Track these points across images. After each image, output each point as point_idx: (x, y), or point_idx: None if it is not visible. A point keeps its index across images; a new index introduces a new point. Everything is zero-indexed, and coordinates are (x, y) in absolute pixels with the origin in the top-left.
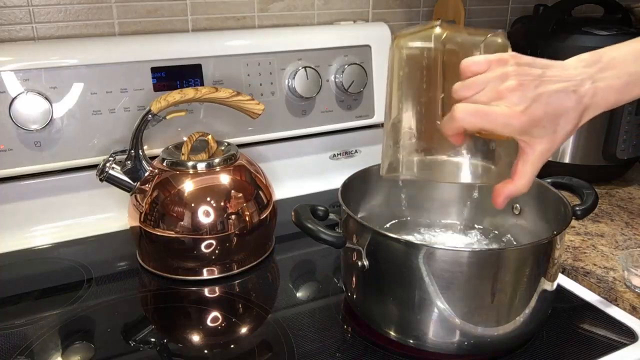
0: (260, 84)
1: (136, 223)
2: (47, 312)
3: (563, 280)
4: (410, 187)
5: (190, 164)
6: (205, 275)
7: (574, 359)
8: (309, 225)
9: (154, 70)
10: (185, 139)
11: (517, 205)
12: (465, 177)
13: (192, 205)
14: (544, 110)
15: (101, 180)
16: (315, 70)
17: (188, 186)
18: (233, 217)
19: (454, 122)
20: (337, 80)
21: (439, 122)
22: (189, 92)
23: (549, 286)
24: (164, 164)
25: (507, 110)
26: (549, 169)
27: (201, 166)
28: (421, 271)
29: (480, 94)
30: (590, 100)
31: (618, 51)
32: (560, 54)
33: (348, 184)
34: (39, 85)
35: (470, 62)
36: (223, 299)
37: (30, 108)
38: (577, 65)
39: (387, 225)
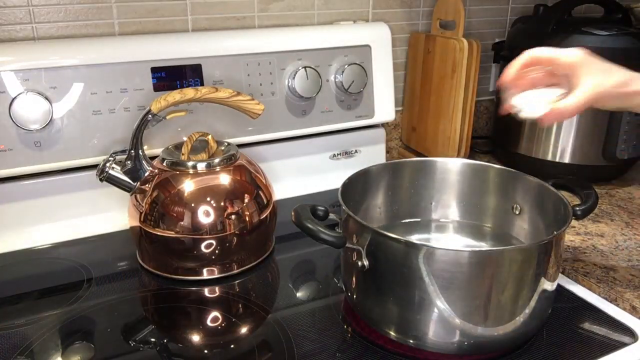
0: (260, 84)
1: (136, 223)
2: (47, 312)
3: (563, 280)
4: (410, 187)
5: (190, 164)
6: (205, 275)
7: (574, 359)
8: (309, 225)
9: (154, 70)
10: (185, 139)
11: (517, 205)
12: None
13: (192, 205)
14: (594, 60)
15: (101, 180)
16: (315, 70)
17: (188, 186)
18: (233, 217)
19: (525, 55)
20: (337, 80)
21: None
22: (189, 92)
23: (549, 286)
24: (164, 164)
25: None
26: (549, 169)
27: (201, 166)
28: (421, 271)
29: None
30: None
31: None
32: None
33: (348, 184)
34: (39, 85)
35: None
36: (223, 299)
37: (30, 108)
38: None
39: (387, 225)
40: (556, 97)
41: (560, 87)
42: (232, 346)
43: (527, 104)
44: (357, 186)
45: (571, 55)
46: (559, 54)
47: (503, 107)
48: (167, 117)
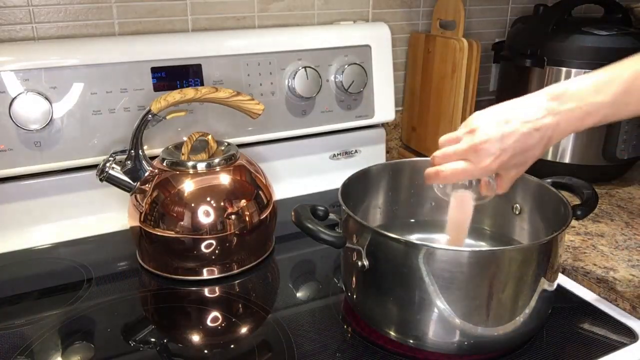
0: (260, 84)
1: (136, 223)
2: (47, 312)
3: (563, 280)
4: (410, 187)
5: (190, 164)
6: (205, 275)
7: (574, 359)
8: (309, 225)
9: (154, 70)
10: (185, 139)
11: (517, 205)
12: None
13: (192, 205)
14: (512, 154)
15: (101, 180)
16: (315, 70)
17: (188, 186)
18: (233, 217)
19: (438, 179)
20: (337, 80)
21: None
22: (189, 92)
23: (549, 286)
24: (164, 164)
25: (480, 166)
26: (549, 169)
27: (201, 166)
28: (421, 271)
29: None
30: (553, 132)
31: (583, 82)
32: (560, 54)
33: (348, 184)
34: (39, 85)
35: (445, 140)
36: (223, 299)
37: (30, 108)
38: (541, 101)
39: (387, 225)
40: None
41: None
42: (232, 346)
43: (455, 199)
44: (357, 186)
45: (485, 172)
46: (477, 174)
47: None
48: (167, 117)
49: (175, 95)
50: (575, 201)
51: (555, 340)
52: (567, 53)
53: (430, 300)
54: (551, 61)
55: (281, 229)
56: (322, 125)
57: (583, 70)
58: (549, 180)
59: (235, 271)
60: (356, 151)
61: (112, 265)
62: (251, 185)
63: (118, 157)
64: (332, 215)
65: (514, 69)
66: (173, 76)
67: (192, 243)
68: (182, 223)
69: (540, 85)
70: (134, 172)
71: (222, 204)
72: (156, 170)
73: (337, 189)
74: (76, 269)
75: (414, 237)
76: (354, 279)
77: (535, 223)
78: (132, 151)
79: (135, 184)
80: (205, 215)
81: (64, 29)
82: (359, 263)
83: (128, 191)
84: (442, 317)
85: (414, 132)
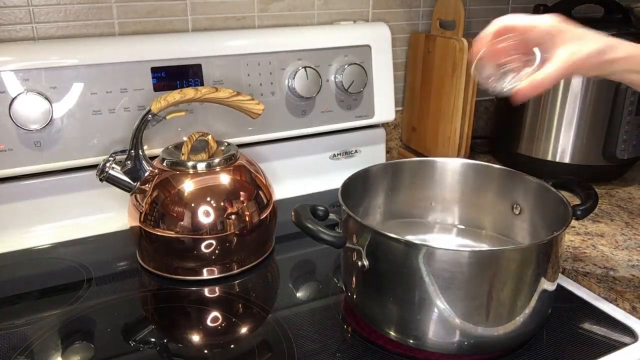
0: (260, 84)
1: (136, 223)
2: (47, 312)
3: (563, 280)
4: (410, 187)
5: (190, 164)
6: (205, 275)
7: (574, 359)
8: (309, 225)
9: (154, 70)
10: (185, 139)
11: (517, 205)
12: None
13: (192, 205)
14: (574, 25)
15: (101, 180)
16: (315, 70)
17: (188, 186)
18: (233, 217)
19: (497, 23)
20: (337, 80)
21: None
22: (189, 92)
23: (549, 286)
24: (164, 164)
25: (537, 18)
26: (549, 169)
27: (201, 166)
28: (421, 271)
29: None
30: (614, 42)
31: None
32: None
33: (348, 184)
34: (39, 85)
35: None
36: (223, 299)
37: (30, 108)
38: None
39: (387, 225)
40: (531, 70)
41: (530, 62)
42: (232, 346)
43: (502, 77)
44: (357, 186)
45: (545, 23)
46: (533, 22)
47: (480, 82)
48: (167, 117)
49: (175, 95)
50: (575, 201)
51: (555, 340)
52: None
53: (430, 300)
54: None
55: (281, 229)
56: (322, 125)
57: None
58: (549, 180)
59: (235, 271)
60: (356, 151)
61: (112, 265)
62: (251, 185)
63: (118, 157)
64: (332, 215)
65: None
66: (173, 76)
67: (192, 243)
68: (182, 223)
69: None
70: (134, 172)
71: (222, 204)
72: (156, 170)
73: (337, 189)
74: (76, 269)
75: (414, 237)
76: (354, 279)
77: (535, 223)
78: (132, 151)
79: (135, 184)
80: (205, 215)
81: (64, 29)
82: (359, 263)
83: (128, 191)
84: (442, 317)
85: (414, 132)
